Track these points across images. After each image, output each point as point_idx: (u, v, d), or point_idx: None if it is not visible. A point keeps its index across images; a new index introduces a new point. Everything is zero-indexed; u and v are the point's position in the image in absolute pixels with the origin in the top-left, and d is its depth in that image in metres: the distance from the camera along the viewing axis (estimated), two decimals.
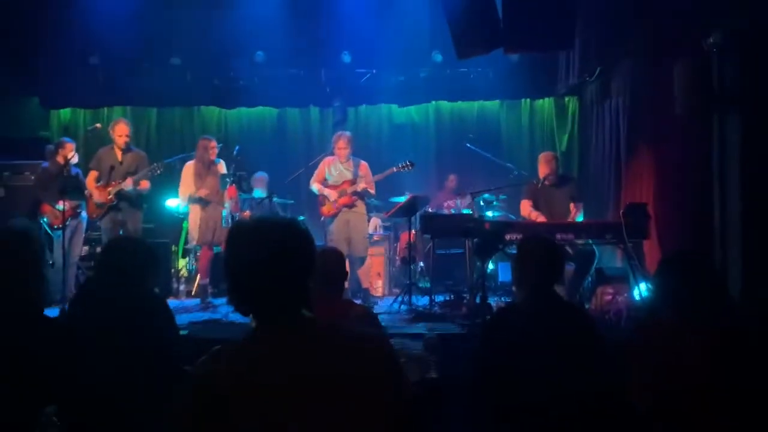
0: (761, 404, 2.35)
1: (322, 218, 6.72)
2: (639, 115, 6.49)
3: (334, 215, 6.59)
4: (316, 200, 6.84)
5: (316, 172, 6.80)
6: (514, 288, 3.23)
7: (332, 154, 6.75)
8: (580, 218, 6.00)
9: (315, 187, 6.75)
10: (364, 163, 6.74)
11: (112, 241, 3.89)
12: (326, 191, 6.63)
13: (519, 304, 3.02)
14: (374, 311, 4.94)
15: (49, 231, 6.42)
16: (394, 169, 6.61)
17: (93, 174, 6.38)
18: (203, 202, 6.45)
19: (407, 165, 6.57)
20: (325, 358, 1.51)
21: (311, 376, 1.47)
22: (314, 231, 7.56)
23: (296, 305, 1.56)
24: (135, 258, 3.00)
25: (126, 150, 6.39)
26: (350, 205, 6.58)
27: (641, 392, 2.43)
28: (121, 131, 6.36)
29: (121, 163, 6.35)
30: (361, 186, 6.56)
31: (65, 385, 2.45)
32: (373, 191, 6.74)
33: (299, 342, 1.52)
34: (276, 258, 1.54)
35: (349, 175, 6.63)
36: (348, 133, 6.81)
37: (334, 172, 6.69)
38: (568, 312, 2.94)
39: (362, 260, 6.72)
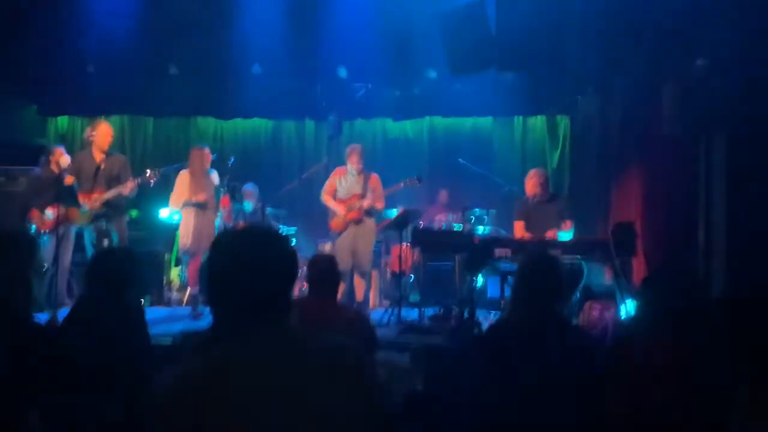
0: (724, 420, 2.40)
1: (331, 232, 6.74)
2: (628, 135, 6.57)
3: (343, 230, 6.61)
4: (326, 213, 6.83)
5: (327, 184, 6.78)
6: (509, 303, 3.17)
7: (343, 164, 6.75)
8: (569, 235, 6.05)
9: (325, 199, 6.75)
10: (375, 176, 6.74)
11: (98, 255, 3.94)
12: (334, 205, 6.65)
13: (515, 320, 2.95)
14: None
15: (35, 237, 6.42)
16: (402, 185, 6.67)
17: (69, 180, 6.16)
18: (199, 206, 6.41)
19: (415, 180, 6.61)
20: (293, 368, 1.51)
21: (278, 386, 1.48)
22: (307, 241, 7.64)
23: (271, 314, 1.55)
24: (118, 271, 3.10)
25: (108, 153, 6.32)
26: (358, 221, 6.62)
27: (618, 407, 2.47)
28: (106, 132, 6.29)
29: (102, 168, 6.24)
30: (367, 203, 6.57)
31: (51, 391, 2.47)
32: (381, 206, 6.74)
33: (269, 351, 1.52)
34: (251, 266, 1.54)
35: (358, 189, 6.63)
36: (360, 146, 6.82)
37: (345, 185, 6.69)
38: (568, 332, 2.88)
39: (364, 273, 6.73)
